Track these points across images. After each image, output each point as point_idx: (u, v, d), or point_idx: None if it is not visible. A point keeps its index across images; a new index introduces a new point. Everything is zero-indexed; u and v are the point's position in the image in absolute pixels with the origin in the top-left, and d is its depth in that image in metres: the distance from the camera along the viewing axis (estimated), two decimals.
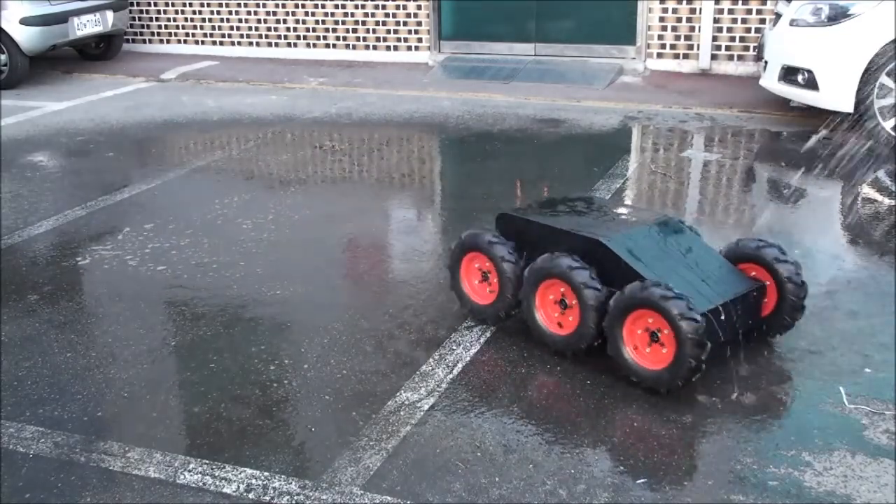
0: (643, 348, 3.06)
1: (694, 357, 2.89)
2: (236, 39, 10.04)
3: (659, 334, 3.00)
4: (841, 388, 3.09)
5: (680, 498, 2.57)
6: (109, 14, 9.39)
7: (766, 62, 6.68)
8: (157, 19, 10.35)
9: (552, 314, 3.34)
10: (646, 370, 3.04)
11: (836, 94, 6.03)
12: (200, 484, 2.67)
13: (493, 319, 3.57)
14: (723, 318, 3.08)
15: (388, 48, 9.45)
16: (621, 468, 2.70)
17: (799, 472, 2.67)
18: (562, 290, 3.27)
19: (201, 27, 10.16)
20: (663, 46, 8.44)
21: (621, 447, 2.81)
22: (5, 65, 8.63)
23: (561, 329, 3.31)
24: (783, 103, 6.91)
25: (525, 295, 3.38)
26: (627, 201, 5.11)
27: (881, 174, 5.53)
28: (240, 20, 9.96)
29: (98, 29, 9.30)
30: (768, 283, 3.31)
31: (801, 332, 3.42)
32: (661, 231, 3.37)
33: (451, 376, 3.23)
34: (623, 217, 3.63)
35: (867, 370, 3.22)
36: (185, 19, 10.21)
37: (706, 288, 3.17)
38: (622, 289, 3.08)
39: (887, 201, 5.07)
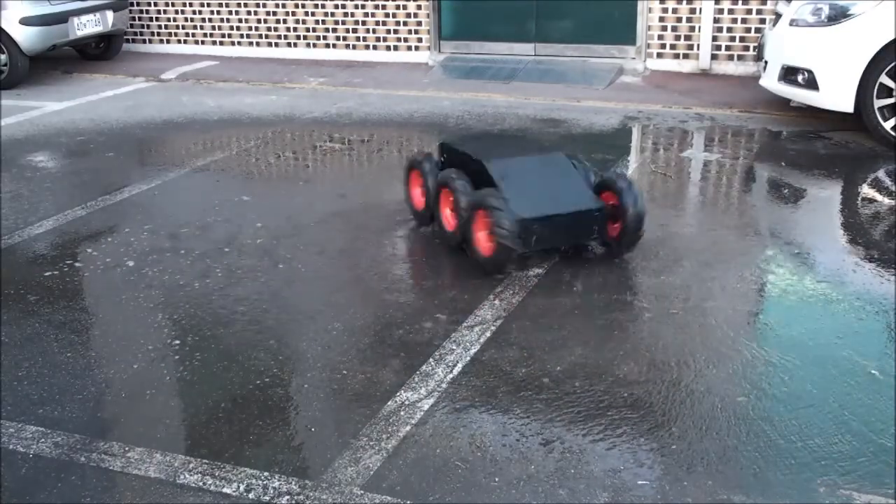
0: (486, 238, 3.98)
1: (503, 250, 3.89)
2: (236, 39, 10.04)
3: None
4: None
5: (680, 498, 2.57)
6: (109, 14, 9.39)
7: (766, 62, 6.69)
8: (157, 19, 10.35)
9: (447, 214, 4.32)
10: (482, 255, 4.02)
11: (836, 94, 6.03)
12: (200, 484, 2.68)
13: (426, 220, 4.59)
14: (542, 223, 3.95)
15: (388, 48, 9.46)
16: (621, 468, 2.71)
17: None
18: (451, 197, 4.23)
19: (201, 27, 10.16)
20: (663, 46, 8.45)
21: (621, 447, 2.82)
22: (5, 65, 8.63)
23: (451, 227, 4.28)
24: (783, 103, 6.91)
25: (434, 201, 4.40)
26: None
27: (881, 174, 5.53)
28: (240, 20, 9.97)
29: (98, 29, 9.31)
30: (613, 204, 4.07)
31: None
32: (540, 161, 4.27)
33: (451, 376, 3.23)
34: (521, 149, 4.52)
35: None
36: (185, 19, 10.21)
37: (544, 201, 4.00)
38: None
39: (887, 201, 5.07)
